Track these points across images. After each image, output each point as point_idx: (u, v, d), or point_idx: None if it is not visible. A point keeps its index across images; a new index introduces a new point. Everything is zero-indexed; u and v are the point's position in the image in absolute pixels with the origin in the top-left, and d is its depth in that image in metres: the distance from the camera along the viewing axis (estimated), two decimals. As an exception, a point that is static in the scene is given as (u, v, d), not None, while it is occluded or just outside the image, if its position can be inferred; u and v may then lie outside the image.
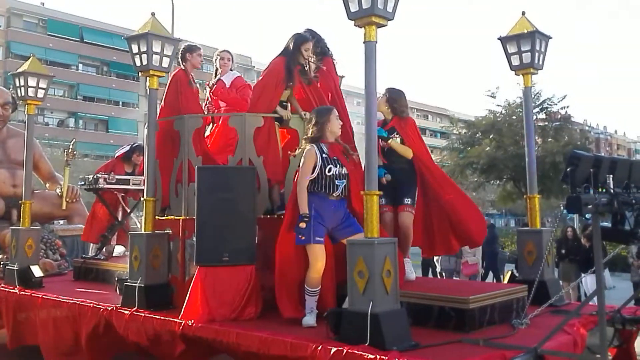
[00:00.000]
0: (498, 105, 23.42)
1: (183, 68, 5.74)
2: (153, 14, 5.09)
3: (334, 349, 3.43)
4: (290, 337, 3.74)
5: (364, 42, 3.70)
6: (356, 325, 3.47)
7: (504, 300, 4.32)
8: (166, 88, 5.66)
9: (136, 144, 7.65)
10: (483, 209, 48.56)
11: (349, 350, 3.38)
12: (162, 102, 5.67)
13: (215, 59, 6.12)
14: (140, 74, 5.24)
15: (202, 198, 4.42)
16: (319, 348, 3.50)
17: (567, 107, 23.40)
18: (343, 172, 4.21)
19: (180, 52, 5.68)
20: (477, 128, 24.02)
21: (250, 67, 52.05)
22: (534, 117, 22.54)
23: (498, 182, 25.20)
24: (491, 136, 22.88)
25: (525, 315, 4.21)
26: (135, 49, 5.05)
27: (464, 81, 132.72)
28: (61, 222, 8.74)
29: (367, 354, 3.30)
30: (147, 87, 5.14)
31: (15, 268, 6.24)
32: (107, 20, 58.38)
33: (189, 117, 5.14)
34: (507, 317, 4.24)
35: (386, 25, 3.72)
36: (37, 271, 6.28)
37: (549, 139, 22.71)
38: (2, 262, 6.93)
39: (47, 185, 9.20)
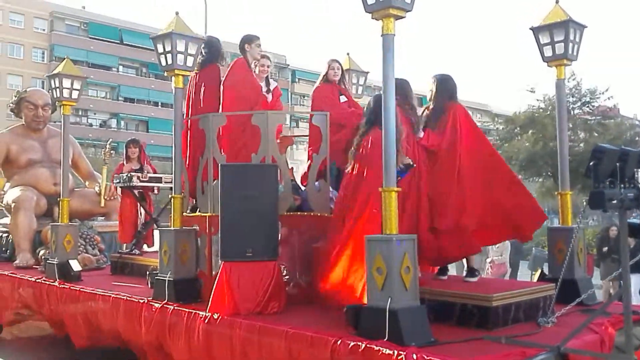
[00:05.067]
0: (537, 100, 22.93)
1: (245, 62, 5.70)
2: (177, 14, 5.19)
3: (352, 343, 3.46)
4: (311, 331, 3.78)
5: (381, 35, 3.68)
6: (375, 321, 3.49)
7: (529, 299, 4.24)
8: (225, 75, 5.60)
9: (129, 139, 7.90)
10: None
11: (368, 345, 3.40)
12: (222, 92, 5.59)
13: (255, 64, 6.08)
14: (165, 74, 5.35)
15: (226, 195, 4.51)
16: (339, 342, 3.54)
17: (610, 98, 22.52)
18: None
19: (239, 44, 5.71)
20: (515, 123, 23.53)
21: (285, 65, 52.46)
22: (576, 110, 22.09)
23: (537, 178, 24.62)
24: (530, 131, 22.39)
25: (552, 314, 4.13)
26: (160, 48, 5.17)
27: (504, 75, 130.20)
28: (100, 218, 8.97)
29: (385, 349, 3.31)
30: (173, 86, 5.24)
31: (55, 262, 6.48)
32: (145, 21, 59.63)
33: (213, 116, 5.22)
34: (533, 316, 4.17)
35: (404, 17, 3.69)
36: (75, 265, 6.52)
37: (595, 134, 22.05)
38: (44, 257, 7.21)
39: (87, 183, 9.46)
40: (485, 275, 8.85)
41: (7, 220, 8.55)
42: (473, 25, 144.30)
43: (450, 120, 4.61)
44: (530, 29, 5.19)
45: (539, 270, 5.26)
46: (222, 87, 5.59)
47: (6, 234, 8.45)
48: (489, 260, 9.12)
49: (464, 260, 4.92)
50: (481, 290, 4.22)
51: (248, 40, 5.75)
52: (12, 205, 8.06)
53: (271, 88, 6.05)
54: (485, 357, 3.33)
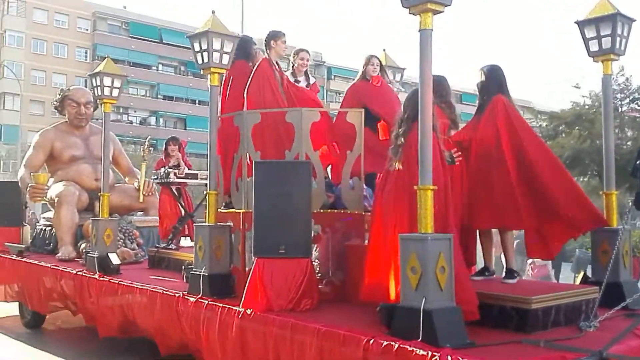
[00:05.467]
0: (583, 96, 22.26)
1: (267, 57, 5.71)
2: (213, 12, 5.21)
3: (385, 343, 3.40)
4: (343, 329, 3.74)
5: (419, 30, 3.60)
6: (408, 321, 3.41)
7: (571, 302, 4.09)
8: (249, 80, 5.63)
9: (169, 137, 8.01)
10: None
11: (401, 345, 3.33)
12: (246, 94, 5.63)
13: (294, 58, 6.08)
14: (202, 71, 5.38)
15: (259, 192, 4.50)
16: (371, 342, 3.48)
17: None
18: None
19: (264, 39, 5.69)
20: (560, 120, 22.90)
21: (321, 62, 52.50)
22: (624, 107, 21.36)
23: (582, 177, 23.92)
24: (576, 128, 21.74)
25: (595, 318, 3.99)
26: (197, 47, 5.19)
27: (547, 71, 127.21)
28: (139, 213, 9.13)
29: (418, 350, 3.24)
30: (209, 84, 5.27)
31: (95, 256, 6.62)
32: (184, 21, 60.51)
33: (247, 113, 5.23)
34: (575, 320, 4.01)
35: (443, 12, 3.61)
36: (114, 259, 6.64)
37: None
38: (85, 250, 7.37)
39: (126, 179, 9.64)
40: (526, 277, 8.64)
41: (50, 214, 8.78)
42: (514, 18, 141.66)
43: (487, 113, 4.50)
44: (576, 22, 5.03)
45: (582, 273, 5.08)
46: (245, 92, 5.61)
47: (50, 228, 8.68)
48: (529, 261, 8.86)
49: (503, 261, 4.79)
50: (520, 292, 4.09)
51: (274, 36, 5.71)
52: (56, 199, 8.26)
53: (310, 83, 6.02)
54: (523, 360, 3.23)
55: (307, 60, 6.02)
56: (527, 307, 3.82)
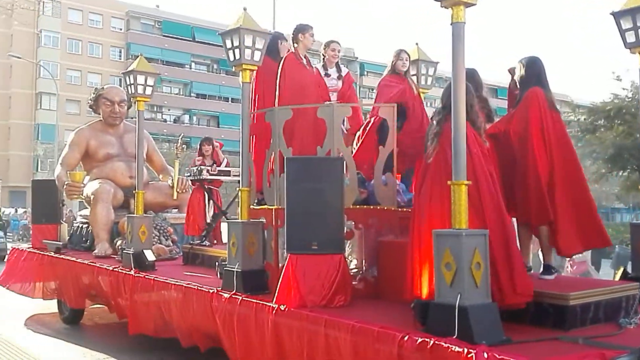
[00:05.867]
0: (624, 89, 21.55)
1: (294, 51, 5.71)
2: (245, 9, 5.22)
3: (420, 340, 3.38)
4: (377, 325, 3.72)
5: (451, 24, 3.56)
6: (443, 318, 3.38)
7: (610, 298, 3.99)
8: (278, 75, 5.63)
9: (203, 137, 8.06)
10: (607, 203, 44.80)
11: (436, 342, 3.30)
12: (278, 89, 5.63)
13: (324, 49, 6.04)
14: (233, 69, 5.40)
15: (291, 188, 4.50)
16: (406, 338, 3.46)
17: None
18: None
19: (292, 33, 5.69)
20: (599, 114, 22.22)
21: (353, 58, 52.29)
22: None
23: (622, 172, 23.20)
24: (617, 122, 21.07)
25: (635, 314, 3.89)
26: (228, 44, 5.21)
27: (584, 64, 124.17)
28: (173, 210, 9.23)
29: (454, 347, 3.21)
30: (240, 81, 5.29)
31: (130, 252, 6.72)
32: (216, 19, 61.00)
33: (279, 110, 5.25)
34: (614, 316, 3.93)
35: (475, 5, 3.56)
36: (150, 255, 6.72)
37: None
38: (120, 247, 7.49)
39: (160, 176, 9.76)
40: (564, 274, 8.46)
41: (87, 211, 8.91)
42: (550, 10, 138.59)
43: (521, 105, 4.43)
44: (611, 14, 4.89)
45: (622, 269, 4.96)
46: (277, 88, 5.62)
47: (86, 225, 8.81)
48: (568, 258, 8.68)
49: (541, 257, 4.70)
50: (558, 288, 4.01)
51: (302, 29, 5.70)
52: (91, 197, 8.39)
53: (342, 74, 5.99)
54: (561, 358, 3.17)
55: (338, 51, 5.98)
56: (565, 304, 3.74)
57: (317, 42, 5.94)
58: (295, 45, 5.75)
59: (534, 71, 4.56)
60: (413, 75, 6.19)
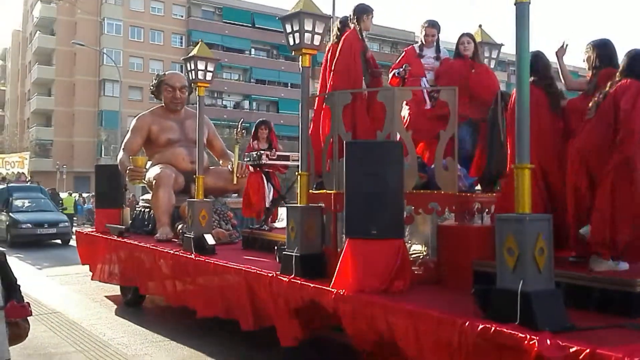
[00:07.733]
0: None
1: (355, 30, 5.69)
2: (305, -6, 5.23)
3: (481, 326, 3.34)
4: (437, 311, 3.71)
5: (515, 4, 3.47)
6: (505, 304, 3.32)
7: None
8: (338, 54, 5.62)
9: (259, 120, 8.07)
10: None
11: (497, 328, 3.26)
12: (333, 70, 5.62)
13: (421, 31, 6.05)
14: (293, 53, 5.42)
15: (351, 173, 4.49)
16: (466, 324, 3.43)
17: None
18: None
19: (354, 12, 5.69)
20: None
21: (414, 42, 51.39)
22: None
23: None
24: None
25: None
26: (288, 28, 5.23)
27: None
28: (233, 195, 9.36)
29: (517, 333, 3.16)
30: (300, 66, 5.31)
31: (191, 236, 6.85)
32: (275, 4, 61.22)
33: (339, 93, 5.24)
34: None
35: (539, -15, 3.45)
36: (210, 239, 6.82)
37: None
38: (181, 231, 7.65)
39: (220, 161, 9.92)
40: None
41: (148, 196, 9.14)
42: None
43: (601, 87, 4.27)
44: None
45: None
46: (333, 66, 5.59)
47: (148, 209, 9.04)
48: None
49: None
50: (624, 274, 3.88)
51: (365, 10, 5.67)
52: (153, 182, 8.57)
53: (441, 56, 5.94)
54: (627, 346, 3.06)
55: (432, 36, 5.95)
56: (631, 290, 3.61)
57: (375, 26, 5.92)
58: (357, 25, 5.72)
59: (605, 53, 4.41)
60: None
